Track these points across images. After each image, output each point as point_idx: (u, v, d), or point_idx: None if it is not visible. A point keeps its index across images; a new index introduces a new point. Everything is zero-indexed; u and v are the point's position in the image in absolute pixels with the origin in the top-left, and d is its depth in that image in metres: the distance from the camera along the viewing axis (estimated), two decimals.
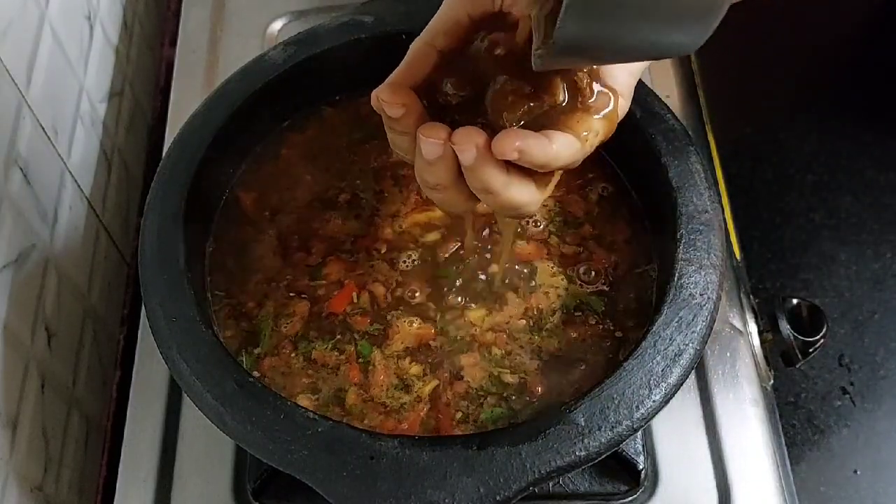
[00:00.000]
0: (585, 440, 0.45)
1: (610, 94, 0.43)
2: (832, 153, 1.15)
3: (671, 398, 0.47)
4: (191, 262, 0.54)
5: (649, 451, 0.59)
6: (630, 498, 0.58)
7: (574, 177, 0.61)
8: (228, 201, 0.61)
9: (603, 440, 0.45)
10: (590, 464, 0.45)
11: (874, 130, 1.17)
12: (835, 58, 1.27)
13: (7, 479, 0.57)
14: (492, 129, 0.41)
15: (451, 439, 0.45)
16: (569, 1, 0.33)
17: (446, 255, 0.58)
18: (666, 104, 0.57)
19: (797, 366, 0.65)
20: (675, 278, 0.50)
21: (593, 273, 0.57)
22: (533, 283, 0.57)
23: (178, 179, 0.56)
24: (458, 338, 0.55)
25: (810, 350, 0.65)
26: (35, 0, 0.66)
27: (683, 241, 0.51)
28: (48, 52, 0.67)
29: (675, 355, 0.47)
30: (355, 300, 0.57)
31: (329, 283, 0.57)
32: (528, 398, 0.53)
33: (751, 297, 0.68)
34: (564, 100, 0.42)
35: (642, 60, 0.44)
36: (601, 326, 0.55)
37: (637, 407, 0.46)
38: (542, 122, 0.41)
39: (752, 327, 0.65)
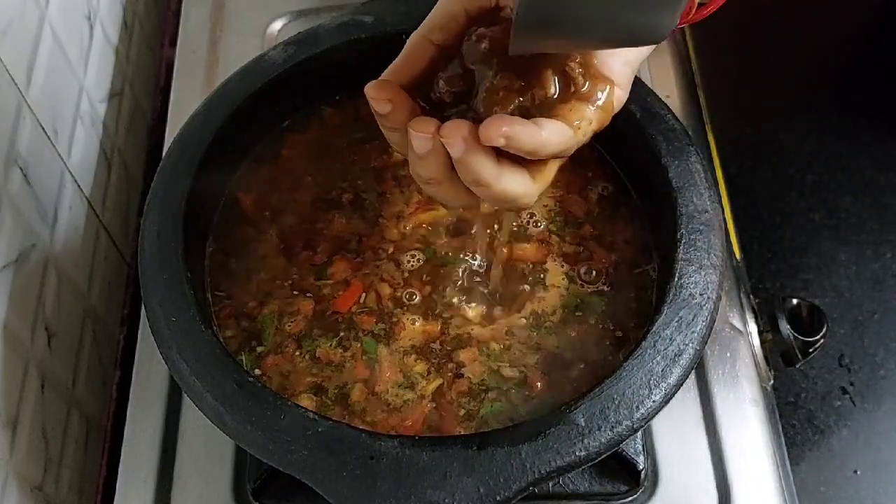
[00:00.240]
0: (585, 440, 0.45)
1: (605, 83, 0.43)
2: (832, 153, 1.15)
3: (671, 398, 0.47)
4: (191, 262, 0.54)
5: (649, 451, 0.59)
6: (630, 498, 0.58)
7: (574, 177, 0.61)
8: (228, 201, 0.61)
9: (603, 440, 0.45)
10: (590, 464, 0.45)
11: (874, 130, 1.17)
12: (835, 58, 1.27)
13: (7, 479, 0.57)
14: None
15: (450, 439, 0.45)
16: None
17: (450, 255, 0.58)
18: (666, 104, 0.57)
19: (797, 366, 0.65)
20: (675, 278, 0.50)
21: (593, 273, 0.57)
22: (533, 283, 0.57)
23: (178, 179, 0.56)
24: (459, 335, 0.55)
25: (810, 350, 0.65)
26: (35, 0, 0.66)
27: (683, 241, 0.52)
28: (48, 52, 0.67)
29: (675, 355, 0.47)
30: (362, 300, 0.57)
31: (335, 282, 0.57)
32: (527, 392, 0.53)
33: (751, 297, 0.68)
34: (556, 92, 0.42)
35: (614, 46, 0.43)
36: (601, 326, 0.55)
37: (637, 407, 0.46)
38: (534, 115, 0.41)
39: (752, 327, 0.65)
